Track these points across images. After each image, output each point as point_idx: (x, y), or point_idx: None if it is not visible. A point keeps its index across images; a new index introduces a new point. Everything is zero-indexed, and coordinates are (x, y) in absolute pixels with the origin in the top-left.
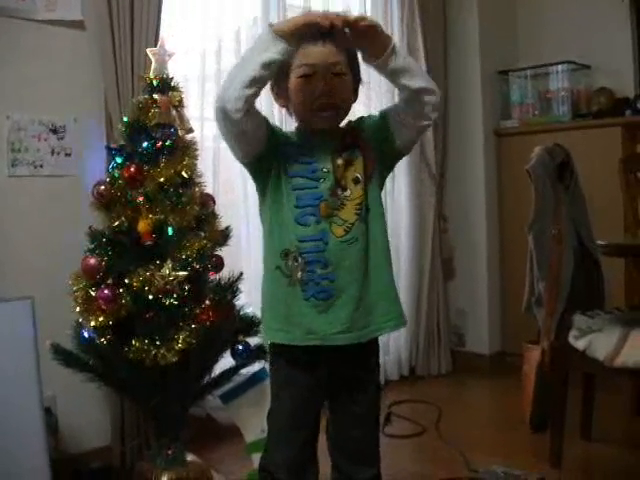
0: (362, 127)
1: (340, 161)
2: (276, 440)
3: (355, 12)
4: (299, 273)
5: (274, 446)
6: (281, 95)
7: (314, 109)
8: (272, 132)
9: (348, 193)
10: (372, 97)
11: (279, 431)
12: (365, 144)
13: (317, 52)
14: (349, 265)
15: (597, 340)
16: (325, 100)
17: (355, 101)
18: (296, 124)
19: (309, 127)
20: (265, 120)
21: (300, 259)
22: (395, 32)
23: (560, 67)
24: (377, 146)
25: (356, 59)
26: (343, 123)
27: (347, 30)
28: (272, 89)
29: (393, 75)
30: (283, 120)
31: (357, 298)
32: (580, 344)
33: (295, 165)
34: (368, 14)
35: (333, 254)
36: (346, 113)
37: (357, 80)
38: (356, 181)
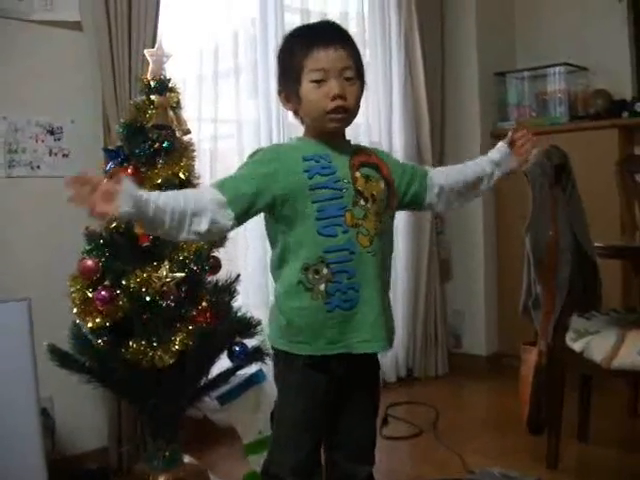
0: (382, 158)
1: (358, 174)
2: (285, 443)
3: (353, 15)
4: (322, 285)
5: (283, 449)
6: (290, 99)
7: (328, 112)
8: (267, 185)
9: (370, 205)
10: (369, 97)
11: (289, 434)
12: (388, 172)
13: (329, 57)
14: (372, 275)
15: (594, 342)
16: (339, 103)
17: None
18: (305, 130)
19: (321, 134)
20: (251, 199)
21: (325, 270)
22: (393, 34)
23: (557, 69)
24: (399, 184)
25: (362, 64)
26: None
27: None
28: (279, 93)
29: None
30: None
31: (378, 308)
32: (577, 346)
33: (317, 177)
34: (366, 17)
35: (358, 264)
36: (354, 117)
37: (363, 84)
38: (373, 198)
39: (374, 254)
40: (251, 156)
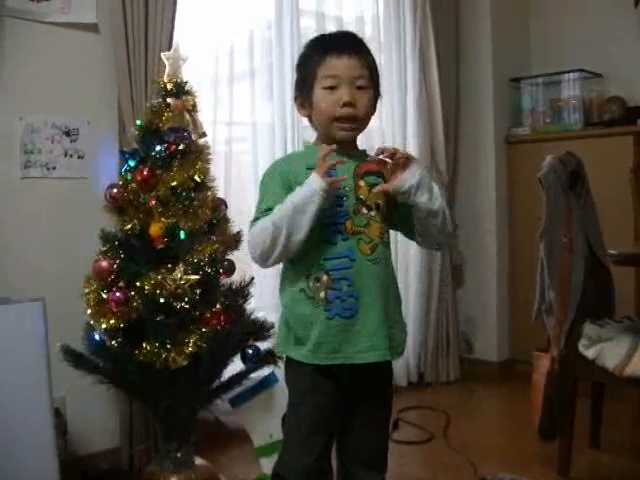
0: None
1: (362, 182)
2: (295, 447)
3: (367, 19)
4: (322, 292)
5: (293, 452)
6: (304, 105)
7: (337, 118)
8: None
9: (373, 214)
10: (383, 102)
11: (300, 437)
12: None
13: (342, 65)
14: (373, 284)
15: (607, 349)
16: (348, 111)
17: (373, 114)
18: (316, 136)
19: (331, 141)
20: None
21: (325, 277)
22: (408, 39)
23: (572, 75)
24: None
25: (377, 74)
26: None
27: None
28: (295, 99)
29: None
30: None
31: (379, 317)
32: (590, 353)
33: None
34: (380, 21)
35: (359, 271)
36: (365, 126)
37: (377, 94)
38: (377, 207)
39: (376, 262)
40: (264, 179)
